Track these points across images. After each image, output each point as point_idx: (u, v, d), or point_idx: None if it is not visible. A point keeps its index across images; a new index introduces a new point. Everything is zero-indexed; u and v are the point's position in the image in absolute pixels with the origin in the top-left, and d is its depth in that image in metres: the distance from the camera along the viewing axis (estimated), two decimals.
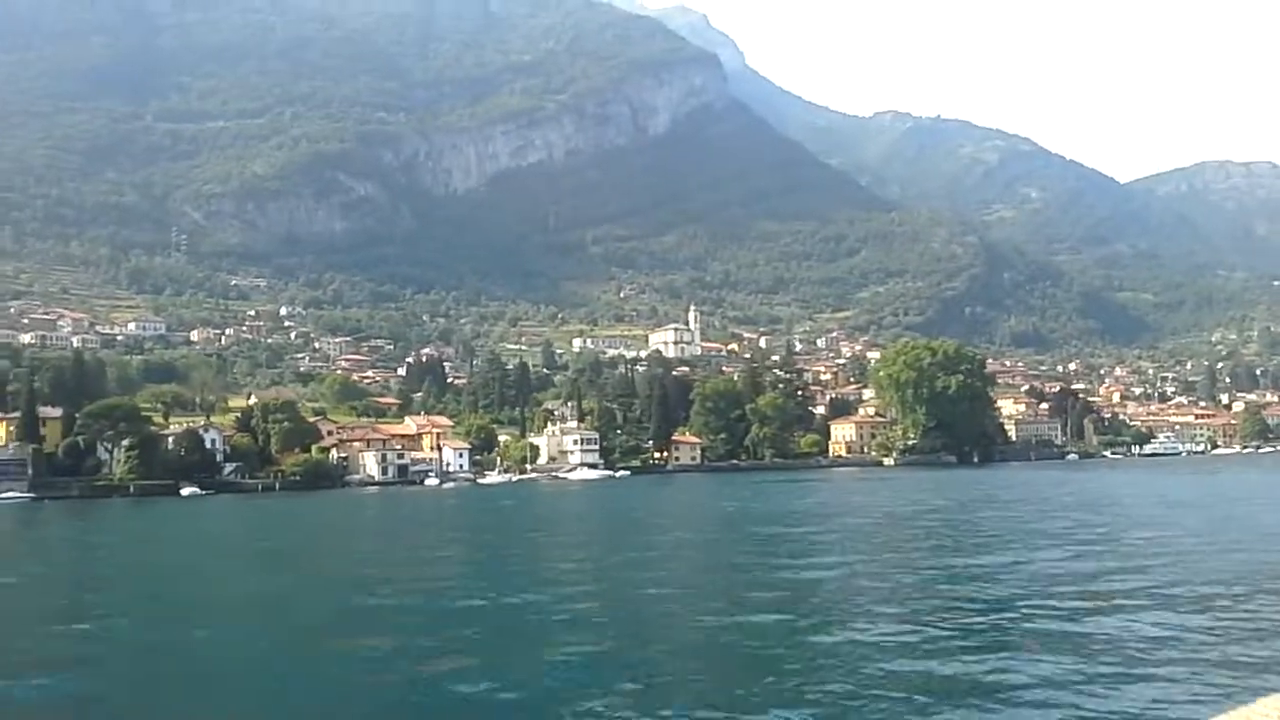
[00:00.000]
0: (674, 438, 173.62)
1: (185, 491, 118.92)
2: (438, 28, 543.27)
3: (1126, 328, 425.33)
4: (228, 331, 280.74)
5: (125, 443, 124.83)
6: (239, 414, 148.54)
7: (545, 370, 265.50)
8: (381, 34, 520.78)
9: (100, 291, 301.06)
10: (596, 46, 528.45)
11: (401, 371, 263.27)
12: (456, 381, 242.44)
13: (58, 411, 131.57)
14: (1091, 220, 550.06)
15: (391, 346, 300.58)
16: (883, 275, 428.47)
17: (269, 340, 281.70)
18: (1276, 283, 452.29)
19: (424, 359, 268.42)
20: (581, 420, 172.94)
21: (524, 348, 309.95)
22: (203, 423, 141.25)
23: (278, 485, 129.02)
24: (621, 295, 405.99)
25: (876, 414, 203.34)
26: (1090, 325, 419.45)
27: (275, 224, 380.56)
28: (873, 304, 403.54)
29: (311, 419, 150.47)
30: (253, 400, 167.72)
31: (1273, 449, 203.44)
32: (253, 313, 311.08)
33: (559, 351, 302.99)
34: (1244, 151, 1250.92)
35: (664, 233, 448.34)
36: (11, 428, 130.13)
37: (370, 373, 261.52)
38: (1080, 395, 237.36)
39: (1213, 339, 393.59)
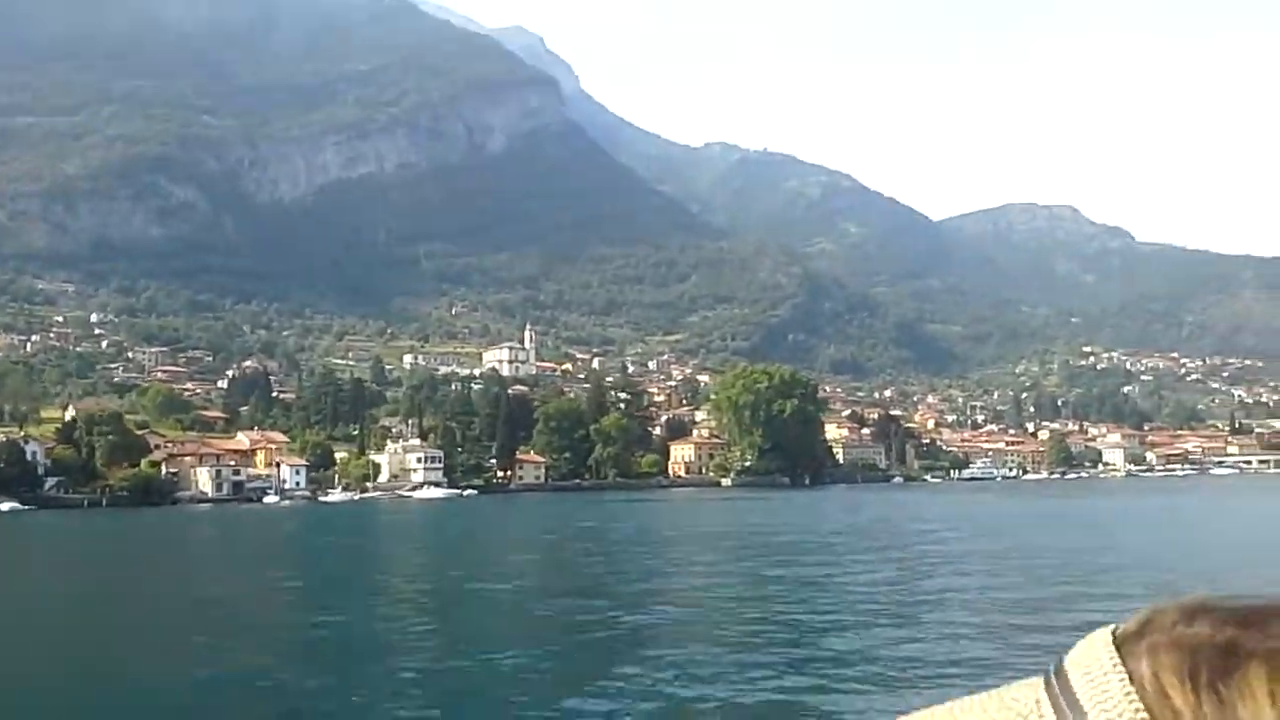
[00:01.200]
0: (518, 456, 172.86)
1: (4, 506, 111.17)
2: (273, 36, 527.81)
3: (937, 358, 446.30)
4: (34, 338, 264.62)
5: None
6: (59, 425, 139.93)
7: (376, 386, 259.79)
8: (214, 38, 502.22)
9: None
10: (434, 62, 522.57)
11: (223, 384, 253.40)
12: (283, 396, 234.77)
13: None
14: (906, 255, 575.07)
15: (211, 358, 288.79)
16: (711, 301, 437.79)
17: (78, 349, 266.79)
18: (1074, 319, 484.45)
19: (247, 372, 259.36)
20: (424, 438, 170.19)
21: (352, 363, 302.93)
22: (19, 434, 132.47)
23: (105, 501, 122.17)
24: (454, 312, 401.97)
25: (711, 435, 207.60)
26: (904, 355, 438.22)
27: (86, 227, 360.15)
28: (702, 328, 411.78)
29: (138, 432, 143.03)
30: (70, 411, 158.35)
31: (1076, 475, 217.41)
32: (60, 319, 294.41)
33: (390, 368, 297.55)
34: (1046, 194, 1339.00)
35: (498, 251, 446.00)
36: None
37: (190, 385, 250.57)
38: (900, 421, 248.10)
39: (1017, 370, 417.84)
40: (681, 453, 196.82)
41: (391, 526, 75.82)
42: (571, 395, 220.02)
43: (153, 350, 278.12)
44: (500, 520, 75.29)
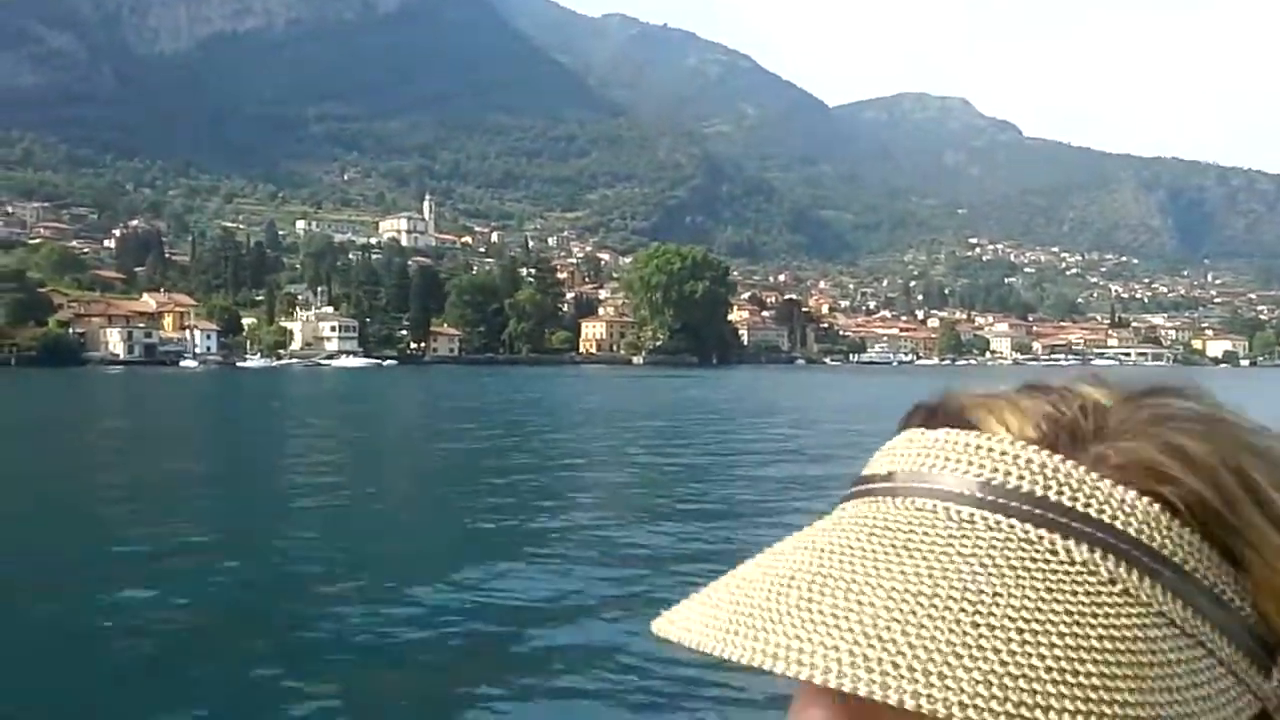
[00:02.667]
0: (432, 329, 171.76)
1: None
2: None
3: (829, 244, 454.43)
4: None
5: None
6: None
7: (272, 252, 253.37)
8: None
9: None
10: None
11: (110, 244, 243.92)
12: (177, 259, 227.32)
13: None
14: (802, 140, 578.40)
15: (96, 216, 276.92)
16: (611, 179, 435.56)
17: None
18: (961, 211, 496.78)
19: (138, 231, 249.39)
20: (336, 307, 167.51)
21: (242, 226, 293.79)
22: None
23: (13, 360, 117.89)
24: (346, 178, 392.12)
25: (621, 314, 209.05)
26: (798, 240, 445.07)
27: None
28: (602, 206, 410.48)
29: (40, 290, 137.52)
30: None
31: (966, 362, 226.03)
32: None
33: (283, 234, 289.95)
34: (939, 86, 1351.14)
35: (391, 117, 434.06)
36: None
37: (75, 243, 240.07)
38: (800, 306, 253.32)
39: (905, 259, 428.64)
40: (593, 330, 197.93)
41: (320, 394, 74.94)
42: (480, 270, 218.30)
43: (33, 205, 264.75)
44: (427, 390, 74.96)
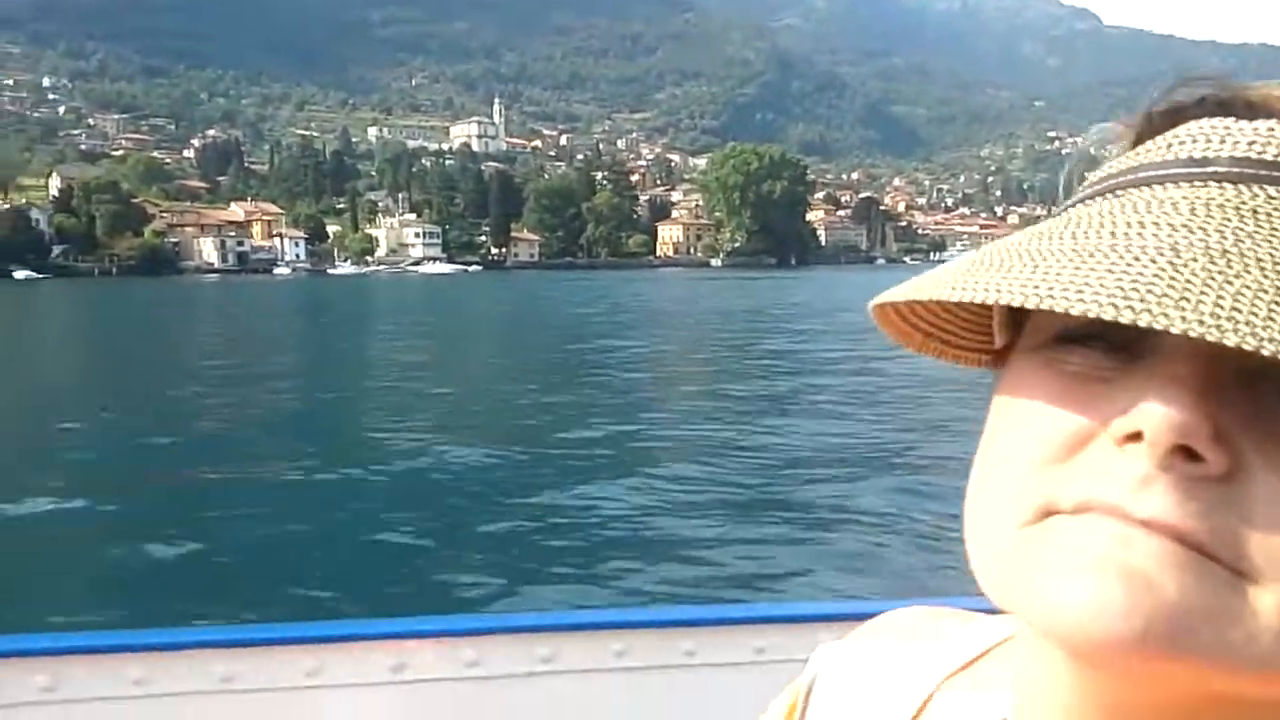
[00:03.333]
0: (512, 234, 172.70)
1: (19, 275, 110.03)
2: None
3: (903, 140, 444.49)
4: None
5: None
6: (55, 194, 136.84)
7: (347, 159, 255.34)
8: None
9: None
10: None
11: (188, 153, 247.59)
12: (254, 167, 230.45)
13: None
14: (874, 31, 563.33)
15: (173, 126, 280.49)
16: (679, 77, 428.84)
17: (36, 115, 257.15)
18: (1038, 103, 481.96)
19: (216, 141, 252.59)
20: (418, 214, 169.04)
21: (315, 134, 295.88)
22: (19, 201, 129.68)
23: (114, 270, 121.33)
24: (414, 83, 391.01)
25: (696, 215, 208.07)
26: (870, 136, 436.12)
27: None
28: (670, 106, 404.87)
29: (134, 200, 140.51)
30: (54, 180, 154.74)
31: None
32: (10, 82, 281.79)
33: (355, 139, 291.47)
34: None
35: (454, 18, 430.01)
36: None
37: (156, 154, 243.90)
38: (877, 204, 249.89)
39: (982, 154, 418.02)
40: (670, 233, 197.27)
41: (417, 298, 75.93)
42: (552, 174, 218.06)
43: (113, 117, 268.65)
44: (522, 294, 75.25)
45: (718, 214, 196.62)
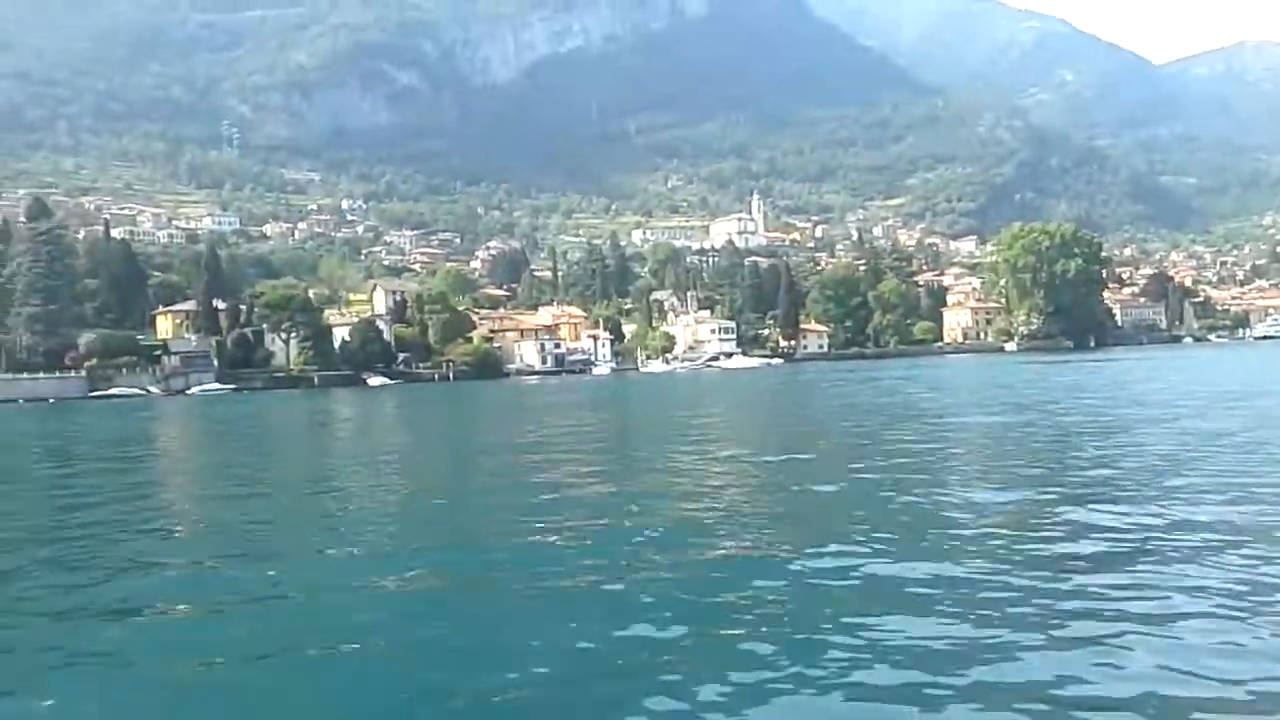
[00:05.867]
0: (800, 326, 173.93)
1: (374, 381, 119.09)
2: None
3: (1174, 212, 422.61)
4: (300, 226, 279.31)
5: (298, 334, 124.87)
6: (393, 304, 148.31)
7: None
8: None
9: (163, 187, 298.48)
10: None
11: (475, 264, 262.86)
12: (538, 274, 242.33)
13: (222, 304, 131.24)
14: (1129, 103, 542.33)
15: (459, 239, 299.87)
16: (931, 161, 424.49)
17: (339, 234, 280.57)
18: None
19: (505, 251, 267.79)
20: (711, 310, 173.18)
21: (583, 240, 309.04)
22: (352, 315, 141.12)
23: (451, 375, 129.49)
24: (669, 186, 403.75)
25: (977, 300, 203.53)
26: (1139, 210, 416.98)
27: (322, 116, 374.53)
28: (925, 191, 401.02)
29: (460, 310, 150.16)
30: (378, 294, 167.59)
31: None
32: (314, 207, 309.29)
33: (623, 243, 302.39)
34: None
35: (706, 120, 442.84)
36: (179, 320, 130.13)
37: (448, 265, 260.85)
38: (1173, 279, 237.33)
39: (1265, 223, 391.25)
40: (957, 318, 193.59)
41: (755, 390, 76.26)
42: (825, 262, 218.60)
43: (407, 234, 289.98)
44: (855, 382, 73.87)
45: (1005, 296, 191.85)
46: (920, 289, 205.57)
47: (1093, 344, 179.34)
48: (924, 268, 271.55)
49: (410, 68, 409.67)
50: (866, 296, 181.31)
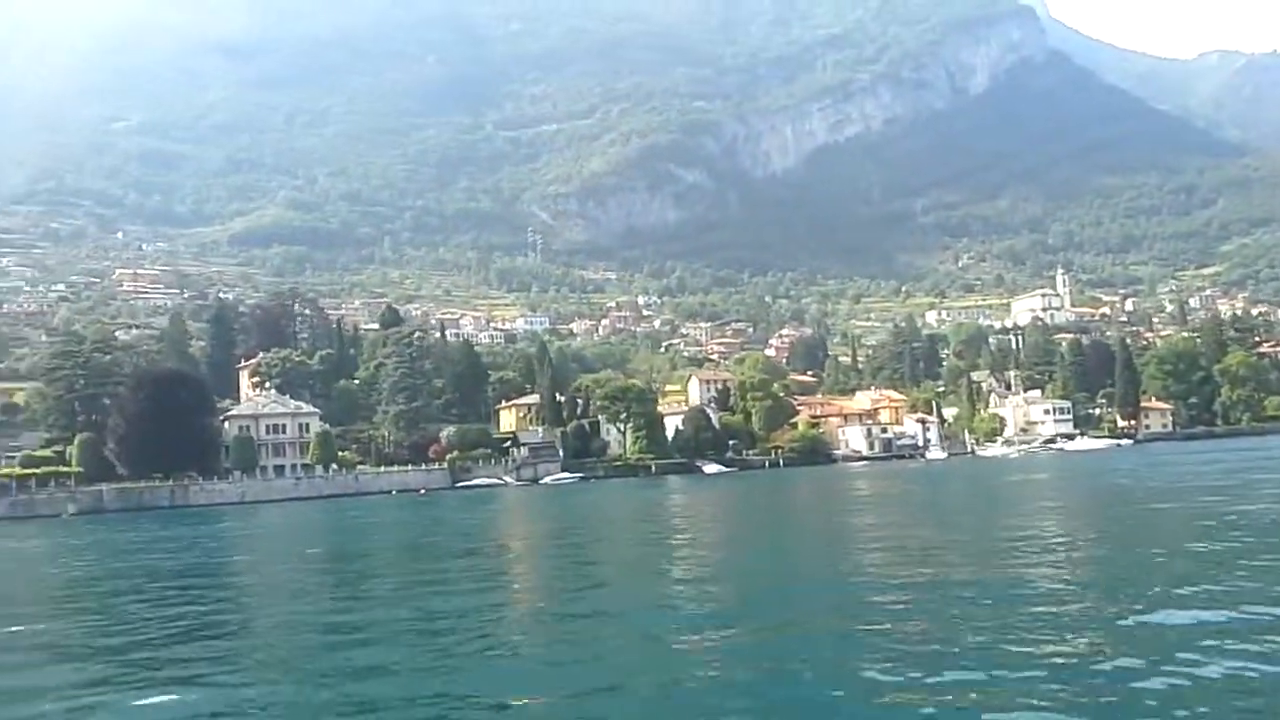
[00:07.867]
0: (1141, 404, 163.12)
1: (709, 469, 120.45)
2: (742, 11, 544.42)
3: None
4: (603, 323, 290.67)
5: (633, 423, 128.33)
6: (715, 393, 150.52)
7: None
8: (689, 24, 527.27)
9: (476, 292, 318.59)
10: (907, 10, 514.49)
11: (770, 352, 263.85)
12: (840, 359, 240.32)
13: (561, 396, 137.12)
14: None
15: (751, 329, 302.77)
16: (1246, 226, 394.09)
17: (639, 329, 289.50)
18: None
19: (799, 338, 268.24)
20: (1040, 390, 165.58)
21: (875, 323, 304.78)
22: (676, 403, 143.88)
23: (781, 462, 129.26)
24: (960, 265, 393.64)
25: None
26: None
27: (615, 218, 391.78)
28: (1243, 257, 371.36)
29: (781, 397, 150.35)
30: (692, 383, 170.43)
31: None
32: (613, 304, 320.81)
33: (918, 324, 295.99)
34: None
35: (995, 196, 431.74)
36: (523, 413, 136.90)
37: (754, 354, 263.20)
38: None
39: None
40: None
41: (1167, 475, 69.85)
42: (1187, 336, 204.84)
43: (702, 325, 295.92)
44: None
45: None
46: (1266, 360, 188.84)
47: None
48: (1263, 338, 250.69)
49: (695, 166, 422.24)
50: (1210, 370, 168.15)
